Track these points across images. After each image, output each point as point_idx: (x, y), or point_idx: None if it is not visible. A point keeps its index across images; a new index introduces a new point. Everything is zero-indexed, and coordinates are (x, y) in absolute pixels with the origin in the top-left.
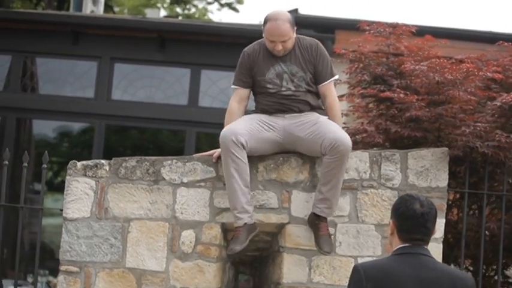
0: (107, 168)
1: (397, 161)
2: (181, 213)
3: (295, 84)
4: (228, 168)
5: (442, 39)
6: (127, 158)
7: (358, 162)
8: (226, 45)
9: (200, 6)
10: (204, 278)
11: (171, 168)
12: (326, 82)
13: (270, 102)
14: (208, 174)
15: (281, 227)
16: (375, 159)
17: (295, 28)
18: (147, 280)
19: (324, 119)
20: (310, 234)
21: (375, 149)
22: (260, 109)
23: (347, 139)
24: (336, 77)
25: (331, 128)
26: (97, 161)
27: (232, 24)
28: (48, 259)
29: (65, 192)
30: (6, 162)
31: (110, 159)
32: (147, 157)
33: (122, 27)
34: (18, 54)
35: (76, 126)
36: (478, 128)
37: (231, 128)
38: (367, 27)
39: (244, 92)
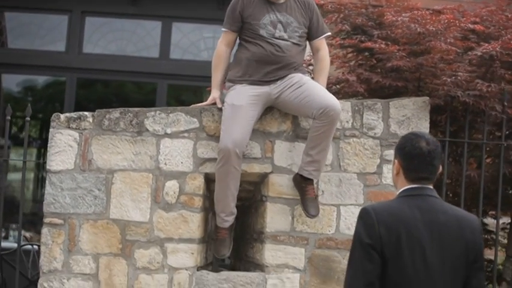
0: (91, 120)
1: (379, 110)
2: (165, 164)
3: (288, 35)
4: (225, 177)
5: None
6: (110, 110)
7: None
8: None
9: None
10: (188, 228)
11: (155, 119)
12: (321, 37)
13: (260, 49)
14: (191, 125)
15: (264, 176)
16: (357, 108)
17: None
18: (131, 231)
19: (308, 80)
20: (293, 184)
21: (355, 98)
22: (246, 59)
23: (337, 104)
24: (329, 33)
25: (319, 91)
26: (80, 113)
27: None
28: (17, 213)
29: (48, 145)
30: None
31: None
32: (130, 108)
33: None
34: None
35: (46, 80)
36: (459, 78)
37: (232, 137)
38: None
39: (232, 35)
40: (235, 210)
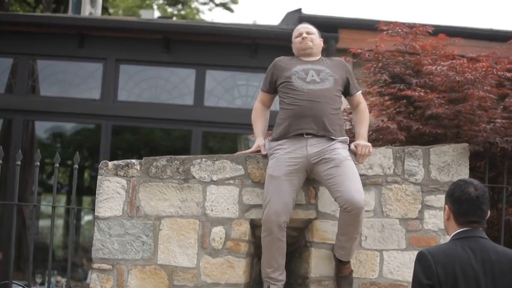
0: (138, 167)
1: (420, 157)
2: (211, 210)
3: (321, 78)
4: (269, 247)
5: (455, 37)
6: (157, 158)
7: (382, 159)
8: (230, 45)
9: (193, 6)
10: (234, 273)
11: (201, 166)
12: (359, 92)
13: (294, 101)
14: (237, 172)
15: (308, 222)
16: (398, 155)
17: (322, 40)
18: (178, 276)
19: (345, 160)
20: (337, 229)
21: (396, 145)
22: (284, 114)
23: (360, 201)
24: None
25: (349, 184)
26: (128, 160)
27: (236, 24)
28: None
29: (96, 192)
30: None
31: (116, 160)
32: (177, 156)
33: (126, 29)
34: (24, 57)
35: (75, 127)
36: (497, 124)
37: (274, 209)
38: (385, 28)
39: (267, 96)
40: (282, 277)
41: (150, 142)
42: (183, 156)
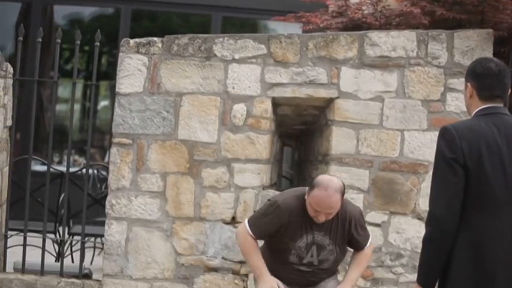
0: (160, 45)
1: (444, 41)
2: (233, 88)
3: (320, 259)
4: None
5: None
6: (179, 36)
7: (406, 41)
8: None
9: None
10: (255, 149)
11: (223, 45)
12: (366, 245)
13: (285, 268)
14: (259, 51)
15: (330, 101)
16: (422, 38)
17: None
18: (198, 151)
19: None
20: (358, 108)
21: (420, 30)
22: (273, 268)
23: None
24: (370, 238)
25: None
26: (149, 38)
27: None
28: (65, 142)
29: (117, 69)
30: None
31: None
32: (199, 35)
33: None
34: None
35: (101, 12)
36: None
37: None
38: None
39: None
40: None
41: (168, 29)
42: (205, 35)
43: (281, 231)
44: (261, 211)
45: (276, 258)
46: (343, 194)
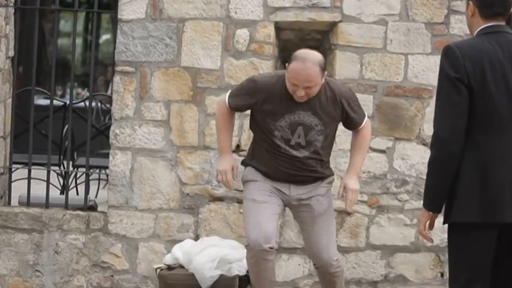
0: None
1: None
2: (236, 12)
3: (308, 139)
4: (259, 273)
5: None
6: None
7: None
8: None
9: None
10: None
11: None
12: (361, 126)
13: (274, 154)
14: None
15: (333, 25)
16: None
17: (325, 72)
18: (202, 78)
19: (327, 211)
20: (362, 32)
21: None
22: (260, 154)
23: (327, 258)
24: (366, 117)
25: (319, 239)
26: None
27: None
28: (67, 75)
29: None
30: None
31: None
32: None
33: None
34: None
35: None
36: None
37: (262, 231)
38: None
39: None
40: None
41: None
42: None
43: (260, 110)
44: (239, 85)
45: (264, 146)
46: (323, 68)
